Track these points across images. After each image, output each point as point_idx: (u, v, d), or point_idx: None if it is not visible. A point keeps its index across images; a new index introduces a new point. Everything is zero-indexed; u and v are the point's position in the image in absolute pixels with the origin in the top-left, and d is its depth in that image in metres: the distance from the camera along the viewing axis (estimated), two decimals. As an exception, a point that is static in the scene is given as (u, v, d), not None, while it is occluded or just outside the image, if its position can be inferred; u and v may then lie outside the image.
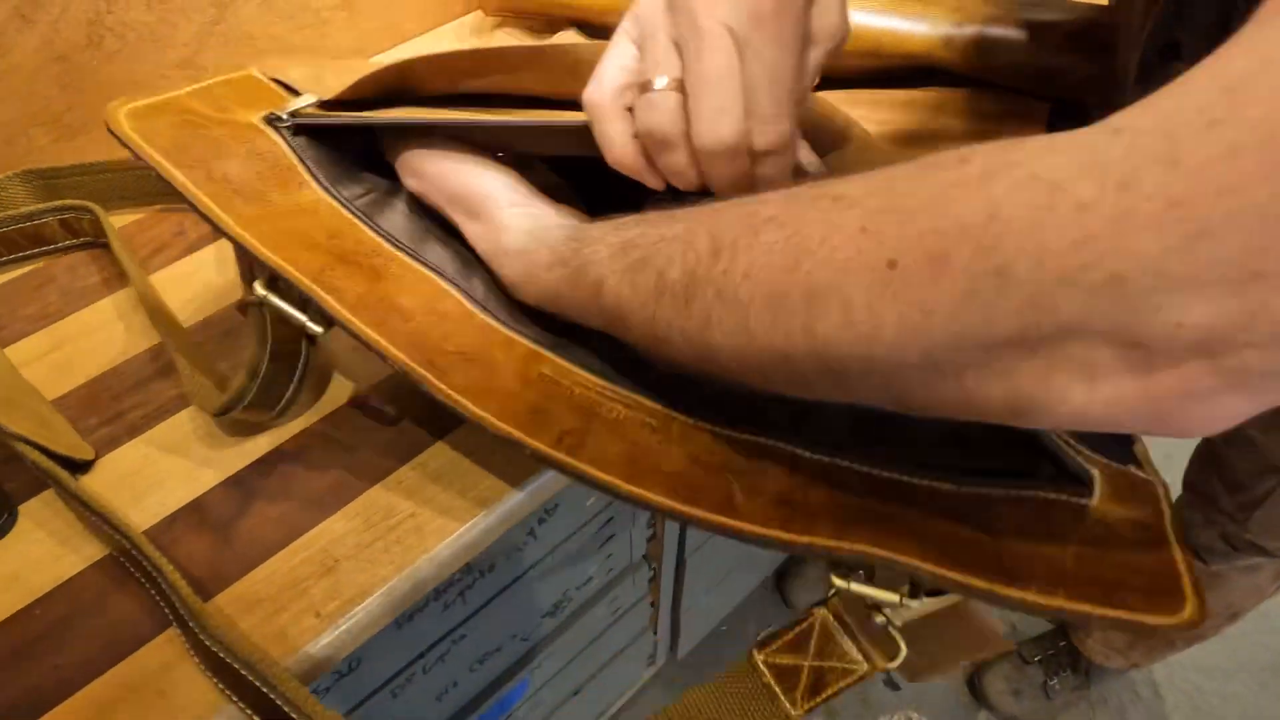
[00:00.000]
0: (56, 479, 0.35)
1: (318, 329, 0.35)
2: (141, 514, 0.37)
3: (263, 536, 0.36)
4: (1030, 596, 0.26)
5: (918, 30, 0.48)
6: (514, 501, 0.37)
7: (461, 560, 0.37)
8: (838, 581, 0.29)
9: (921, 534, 0.28)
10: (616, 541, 0.62)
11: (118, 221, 0.48)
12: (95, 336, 0.43)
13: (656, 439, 0.31)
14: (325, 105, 0.40)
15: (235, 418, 0.37)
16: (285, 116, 0.39)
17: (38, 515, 0.37)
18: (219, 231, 0.34)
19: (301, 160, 0.39)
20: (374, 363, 0.35)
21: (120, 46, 0.47)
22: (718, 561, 0.87)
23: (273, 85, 0.43)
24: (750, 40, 0.28)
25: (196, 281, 0.46)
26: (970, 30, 0.48)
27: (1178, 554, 0.27)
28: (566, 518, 0.52)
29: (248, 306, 0.36)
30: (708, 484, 0.30)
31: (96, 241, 0.47)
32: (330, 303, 0.33)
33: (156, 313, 0.41)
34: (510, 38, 0.60)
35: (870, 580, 0.29)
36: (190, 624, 0.31)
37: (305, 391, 0.39)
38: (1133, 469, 0.30)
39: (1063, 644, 1.07)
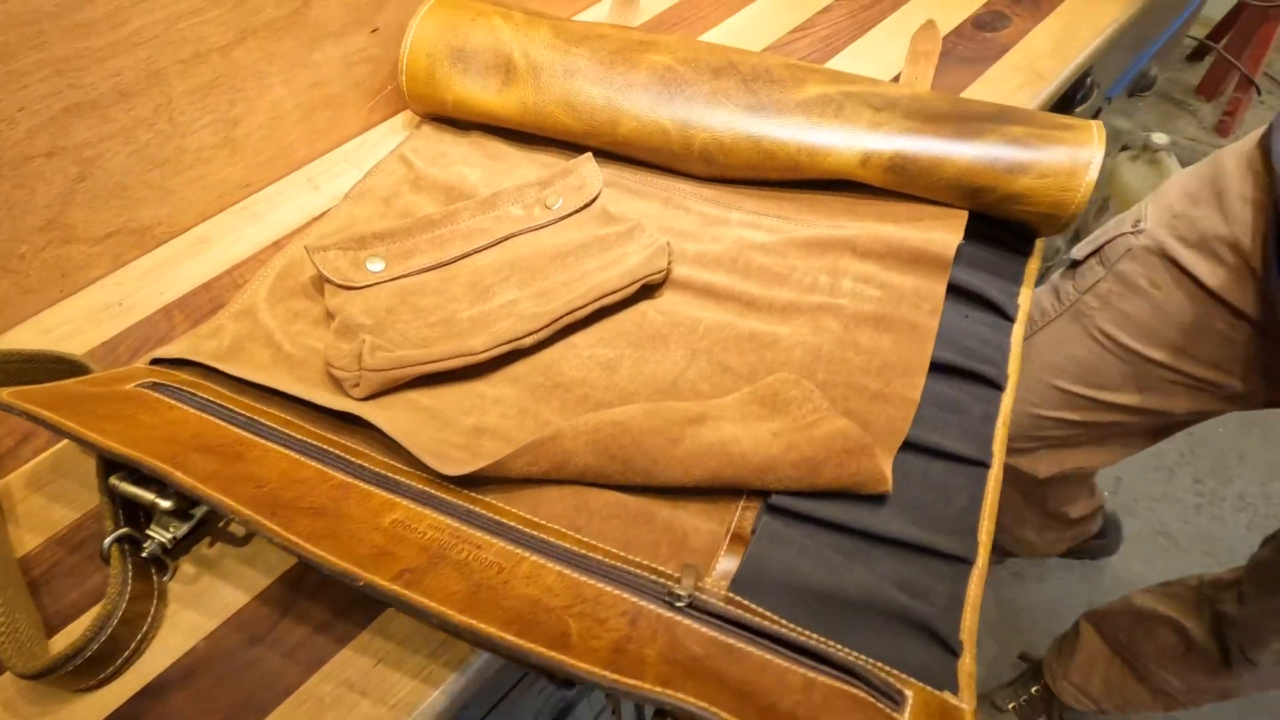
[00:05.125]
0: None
1: (166, 503, 0.36)
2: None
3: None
4: None
5: (835, 148, 0.47)
6: (436, 709, 0.34)
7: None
8: None
9: (745, 696, 0.29)
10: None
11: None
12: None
13: (502, 578, 0.32)
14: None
15: (50, 682, 0.32)
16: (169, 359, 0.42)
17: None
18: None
19: (173, 393, 0.40)
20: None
21: (-33, 220, 0.43)
22: None
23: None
24: None
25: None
26: (888, 148, 0.46)
27: None
28: None
29: (109, 552, 0.35)
30: (545, 622, 0.30)
31: None
32: (176, 476, 0.33)
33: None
34: (437, 131, 0.58)
35: None
36: None
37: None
38: (948, 695, 0.31)
39: (1035, 690, 1.06)
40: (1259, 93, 1.95)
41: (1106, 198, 1.70)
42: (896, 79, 0.61)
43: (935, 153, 0.46)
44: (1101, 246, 0.71)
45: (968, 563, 0.37)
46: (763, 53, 0.52)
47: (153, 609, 0.36)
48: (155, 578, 0.37)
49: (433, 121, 0.58)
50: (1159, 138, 1.61)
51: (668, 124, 0.49)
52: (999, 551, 1.21)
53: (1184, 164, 1.16)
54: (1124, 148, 1.68)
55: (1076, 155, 0.44)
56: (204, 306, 0.49)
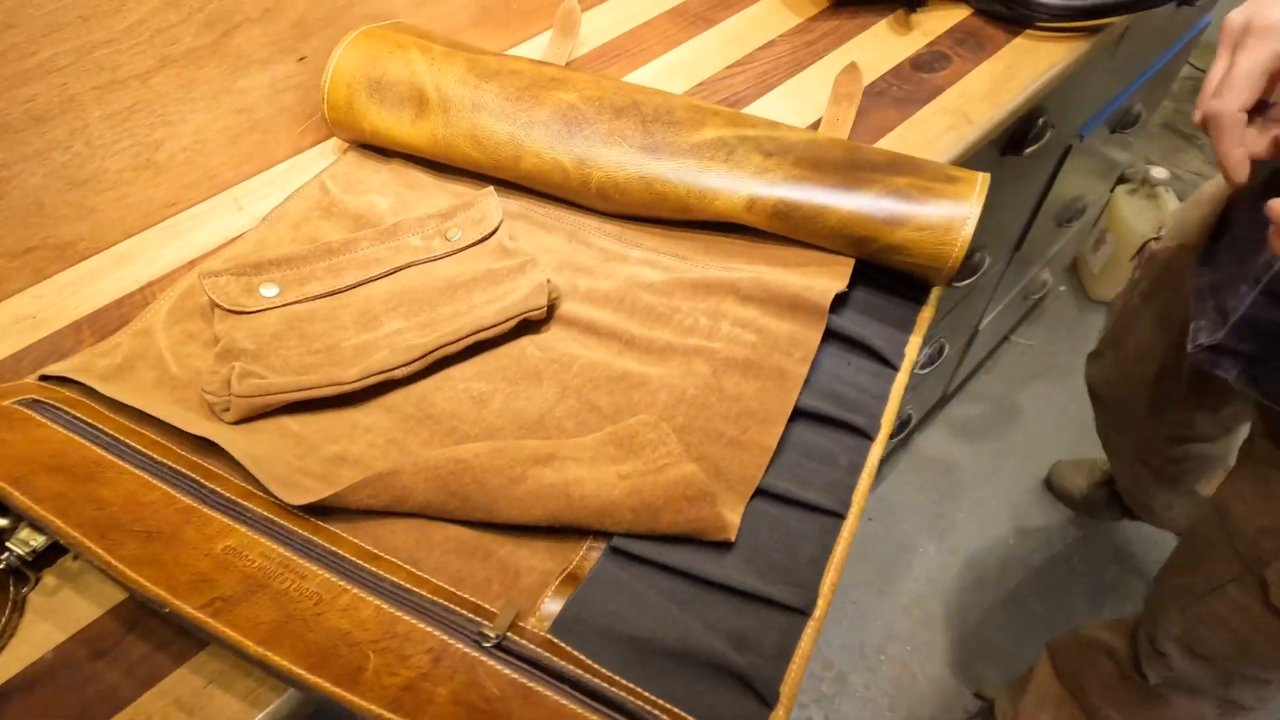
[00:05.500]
0: None
1: (2, 521, 0.37)
2: None
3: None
4: None
5: (723, 192, 0.48)
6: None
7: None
8: None
9: None
10: None
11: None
12: None
13: (317, 610, 0.33)
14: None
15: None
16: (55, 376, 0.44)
17: None
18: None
19: (47, 411, 0.40)
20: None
21: (-123, 236, 0.45)
22: None
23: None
24: None
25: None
26: (772, 195, 0.47)
27: None
28: None
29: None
30: (345, 656, 0.31)
31: None
32: (13, 495, 0.35)
33: None
34: (360, 158, 0.59)
35: None
36: None
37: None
38: None
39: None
40: (1270, 128, 1.91)
41: (1104, 230, 1.68)
42: (817, 124, 0.61)
43: (818, 201, 0.46)
44: (1141, 248, 0.84)
45: (804, 614, 0.37)
46: (675, 93, 0.53)
47: (5, 619, 0.37)
48: (13, 589, 0.38)
49: (359, 148, 0.60)
50: (1158, 172, 1.59)
51: (566, 161, 0.50)
52: (1122, 511, 1.25)
53: (1183, 199, 1.14)
54: (1122, 180, 1.66)
55: (954, 210, 0.45)
56: (113, 323, 0.51)
